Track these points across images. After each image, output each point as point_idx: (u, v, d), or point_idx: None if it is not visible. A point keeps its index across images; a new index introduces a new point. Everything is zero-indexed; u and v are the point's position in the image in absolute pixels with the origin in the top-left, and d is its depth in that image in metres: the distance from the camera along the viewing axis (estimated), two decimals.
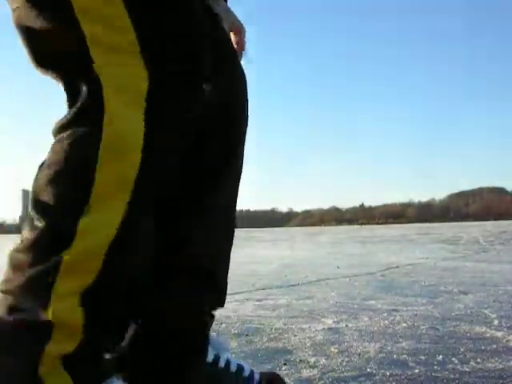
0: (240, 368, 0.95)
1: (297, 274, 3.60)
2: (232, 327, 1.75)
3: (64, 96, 0.69)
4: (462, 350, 1.36)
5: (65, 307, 0.64)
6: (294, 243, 11.22)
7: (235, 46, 1.05)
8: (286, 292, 2.56)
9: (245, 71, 0.97)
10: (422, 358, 1.28)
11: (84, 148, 0.66)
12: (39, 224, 0.65)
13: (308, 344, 1.47)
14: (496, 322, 1.69)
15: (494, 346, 1.38)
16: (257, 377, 0.96)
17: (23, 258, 0.65)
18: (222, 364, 0.94)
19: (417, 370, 1.17)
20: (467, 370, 1.17)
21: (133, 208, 0.66)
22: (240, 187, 0.95)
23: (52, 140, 0.68)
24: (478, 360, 1.25)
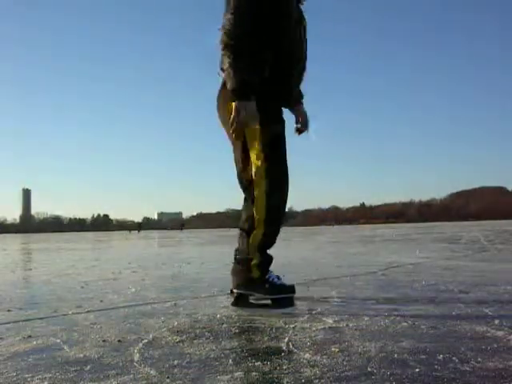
0: None
1: (297, 273, 3.59)
2: (232, 327, 1.75)
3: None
4: (463, 349, 1.35)
5: None
6: (294, 242, 11.23)
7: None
8: None
9: None
10: (423, 357, 1.28)
11: None
12: None
13: (308, 343, 1.47)
14: (497, 322, 1.68)
15: (495, 346, 1.38)
16: None
17: None
18: None
19: (417, 370, 1.17)
20: (468, 369, 1.17)
21: None
22: None
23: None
24: (479, 359, 1.25)
